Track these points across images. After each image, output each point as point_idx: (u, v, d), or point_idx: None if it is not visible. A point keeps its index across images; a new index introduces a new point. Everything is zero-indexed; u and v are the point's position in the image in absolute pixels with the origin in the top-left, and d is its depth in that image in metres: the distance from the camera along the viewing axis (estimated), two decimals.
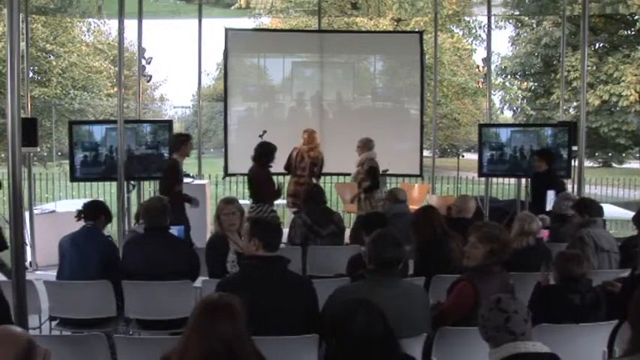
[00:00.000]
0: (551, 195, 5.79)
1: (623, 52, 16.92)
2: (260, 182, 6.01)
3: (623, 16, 16.39)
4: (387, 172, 7.92)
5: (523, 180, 7.18)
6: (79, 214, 4.24)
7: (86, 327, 3.88)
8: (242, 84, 9.06)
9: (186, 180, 7.38)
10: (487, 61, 9.00)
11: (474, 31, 21.42)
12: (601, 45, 18.20)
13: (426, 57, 11.49)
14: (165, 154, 6.71)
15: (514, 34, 20.37)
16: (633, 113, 16.51)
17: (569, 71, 14.89)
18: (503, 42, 42.64)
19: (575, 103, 16.36)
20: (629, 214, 4.63)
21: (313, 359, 2.80)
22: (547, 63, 18.81)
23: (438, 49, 10.21)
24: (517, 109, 20.73)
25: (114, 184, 6.67)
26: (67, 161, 7.09)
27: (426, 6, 11.35)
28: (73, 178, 6.85)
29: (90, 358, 2.88)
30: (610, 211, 8.08)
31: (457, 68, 21.01)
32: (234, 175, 9.20)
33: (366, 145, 6.90)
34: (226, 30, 8.77)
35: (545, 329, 2.82)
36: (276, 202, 6.38)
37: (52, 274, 6.01)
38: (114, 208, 5.99)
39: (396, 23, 18.47)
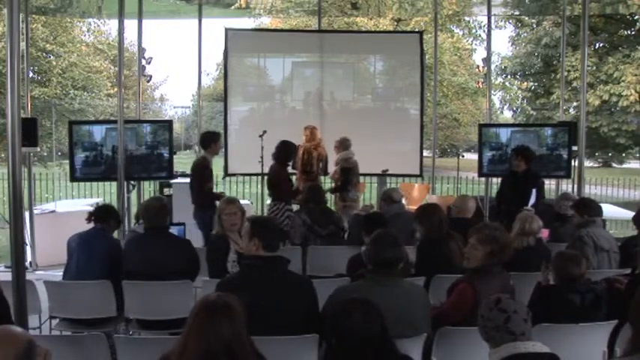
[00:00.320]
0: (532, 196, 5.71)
1: (623, 52, 16.92)
2: (279, 181, 6.00)
3: (623, 16, 16.39)
4: (387, 172, 7.94)
5: None
6: (90, 216, 4.31)
7: (86, 327, 3.89)
8: (242, 84, 9.05)
9: (186, 180, 7.39)
10: (487, 61, 9.00)
11: (474, 31, 21.43)
12: (601, 45, 18.20)
13: (426, 57, 11.50)
14: (165, 154, 6.72)
15: (514, 34, 20.37)
16: (633, 113, 16.51)
17: (569, 71, 14.88)
18: (503, 42, 42.71)
19: (575, 103, 16.36)
20: (629, 214, 4.63)
21: (313, 359, 2.80)
22: (547, 63, 18.80)
23: (438, 49, 10.20)
24: (517, 109, 20.74)
25: (114, 184, 6.69)
26: (67, 161, 7.09)
27: (426, 6, 11.33)
28: (73, 178, 6.86)
29: (90, 358, 2.88)
30: (610, 211, 8.09)
31: (457, 68, 21.02)
32: (234, 175, 9.20)
33: (342, 144, 6.90)
34: (226, 30, 8.77)
35: (545, 329, 2.82)
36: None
37: (52, 274, 6.05)
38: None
39: (396, 23, 18.47)
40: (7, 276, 3.32)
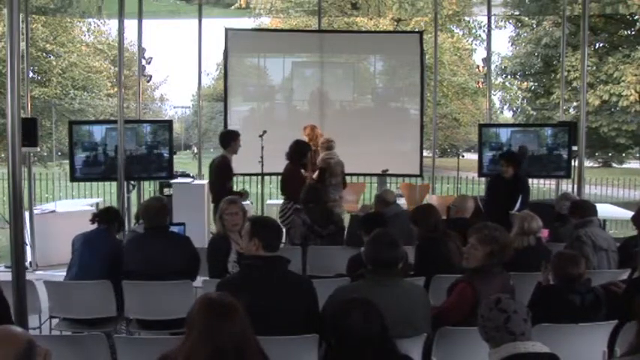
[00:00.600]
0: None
1: (623, 52, 16.93)
2: (291, 180, 6.00)
3: (623, 16, 16.39)
4: (387, 172, 7.94)
5: None
6: (94, 218, 4.35)
7: (86, 327, 3.89)
8: (242, 84, 9.05)
9: (186, 180, 7.39)
10: (487, 61, 9.00)
11: (474, 31, 21.44)
12: (601, 45, 18.20)
13: (426, 57, 11.50)
14: (165, 154, 6.72)
15: (514, 34, 20.38)
16: (633, 113, 16.50)
17: (569, 71, 14.88)
18: (503, 42, 42.73)
19: (575, 103, 16.36)
20: (629, 214, 4.62)
21: (313, 359, 2.80)
22: (547, 63, 18.80)
23: (438, 49, 10.20)
24: (517, 109, 20.74)
25: (114, 184, 6.69)
26: (67, 161, 7.09)
27: (426, 6, 11.34)
28: (73, 178, 6.86)
29: (90, 358, 2.88)
30: (610, 211, 8.09)
31: (457, 68, 21.03)
32: (234, 175, 9.19)
33: (323, 145, 6.88)
34: (226, 30, 8.77)
35: (545, 329, 2.82)
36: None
37: (52, 274, 6.06)
38: (111, 205, 6.00)
39: (396, 23, 18.48)
40: (7, 276, 3.32)
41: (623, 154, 20.60)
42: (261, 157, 6.58)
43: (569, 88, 15.40)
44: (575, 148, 6.98)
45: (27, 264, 6.25)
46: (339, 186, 6.65)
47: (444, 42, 19.10)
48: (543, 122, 16.87)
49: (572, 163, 7.04)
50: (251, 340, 2.00)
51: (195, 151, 26.28)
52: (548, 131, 7.24)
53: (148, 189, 8.76)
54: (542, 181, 11.51)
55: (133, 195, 7.01)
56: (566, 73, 11.30)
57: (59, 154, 18.58)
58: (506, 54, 20.58)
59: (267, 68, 9.35)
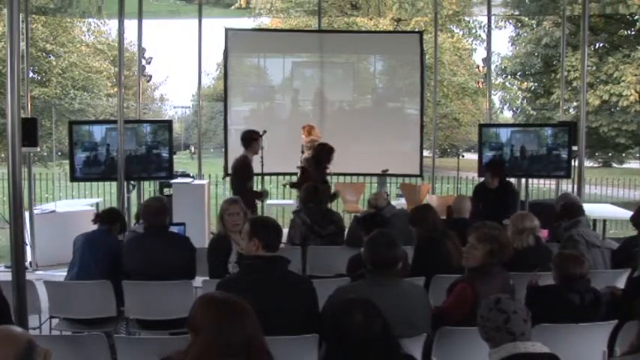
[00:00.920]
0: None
1: (623, 52, 16.90)
2: (314, 182, 5.99)
3: (623, 16, 16.37)
4: (387, 172, 7.94)
5: (523, 180, 7.18)
6: (96, 218, 4.37)
7: (86, 327, 3.89)
8: (242, 84, 9.06)
9: (186, 180, 7.40)
10: (487, 61, 9.01)
11: (474, 31, 21.44)
12: (601, 45, 18.18)
13: (426, 57, 11.50)
14: (165, 154, 6.71)
15: (514, 34, 20.35)
16: (633, 113, 16.49)
17: (569, 71, 14.87)
18: (503, 42, 42.66)
19: (575, 103, 16.35)
20: (629, 214, 4.62)
21: (313, 359, 2.80)
22: (547, 63, 18.78)
23: (438, 49, 10.21)
24: (517, 109, 20.72)
25: (114, 184, 6.68)
26: (67, 161, 7.09)
27: (426, 6, 11.34)
28: (73, 178, 6.85)
29: (90, 358, 2.88)
30: (610, 211, 8.09)
31: (457, 68, 21.02)
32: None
33: (307, 145, 6.87)
34: (226, 30, 8.77)
35: (545, 329, 2.82)
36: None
37: (52, 274, 6.05)
38: (113, 206, 6.01)
39: (396, 23, 18.47)
40: (7, 276, 3.32)
41: (623, 154, 20.58)
42: (261, 157, 6.58)
43: (569, 88, 15.39)
44: (575, 148, 6.98)
45: (27, 264, 6.25)
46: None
47: (444, 42, 19.10)
48: (543, 122, 16.85)
49: (572, 163, 7.04)
50: (260, 339, 1.99)
51: (193, 150, 26.37)
52: (548, 131, 7.23)
53: (148, 189, 8.75)
54: (542, 181, 11.51)
55: (133, 195, 7.01)
56: (566, 73, 11.30)
57: (59, 154, 18.57)
58: (506, 54, 20.58)
59: (267, 68, 9.35)
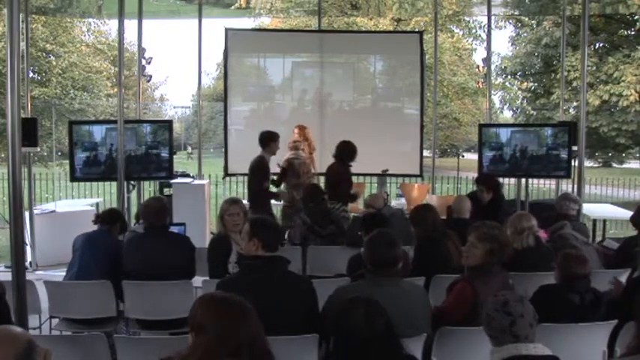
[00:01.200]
0: None
1: (623, 52, 16.90)
2: (340, 181, 5.96)
3: (623, 16, 16.37)
4: (387, 172, 7.93)
5: (523, 180, 7.18)
6: (97, 218, 4.38)
7: (86, 327, 3.89)
8: (242, 84, 9.05)
9: (186, 180, 7.40)
10: (487, 61, 9.00)
11: (474, 31, 21.44)
12: (601, 45, 18.17)
13: (426, 57, 11.49)
14: (164, 154, 6.71)
15: (514, 34, 20.35)
16: (633, 113, 16.49)
17: (569, 71, 14.86)
18: (503, 42, 42.70)
19: (575, 103, 16.34)
20: (629, 214, 4.63)
21: (313, 359, 2.80)
22: (547, 63, 18.78)
23: (438, 49, 10.20)
24: (517, 109, 20.72)
25: (114, 184, 6.68)
26: (67, 161, 7.09)
27: (426, 6, 11.34)
28: (73, 178, 6.85)
29: (90, 358, 2.88)
30: (610, 211, 8.09)
31: (457, 68, 21.03)
32: (234, 175, 9.19)
33: (290, 145, 6.85)
34: (226, 30, 8.77)
35: (545, 329, 2.82)
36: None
37: (52, 274, 6.06)
38: (113, 207, 6.01)
39: (396, 23, 18.48)
40: (7, 276, 3.32)
41: (623, 154, 20.57)
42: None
43: (569, 88, 15.39)
44: (575, 148, 6.98)
45: (27, 264, 6.25)
46: (302, 186, 6.58)
47: (444, 42, 19.09)
48: (543, 122, 16.84)
49: (572, 163, 7.04)
50: (262, 339, 1.99)
51: (190, 151, 26.36)
52: (548, 131, 7.23)
53: (148, 189, 8.76)
54: (542, 181, 11.52)
55: (133, 195, 7.01)
56: (566, 73, 11.30)
57: (59, 154, 18.57)
58: (506, 54, 20.57)
59: (267, 68, 9.34)
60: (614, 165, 22.50)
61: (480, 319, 2.39)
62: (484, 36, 18.56)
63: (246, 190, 6.92)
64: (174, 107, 28.59)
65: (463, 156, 14.99)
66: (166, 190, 7.38)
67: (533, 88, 19.80)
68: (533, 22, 18.90)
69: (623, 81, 16.09)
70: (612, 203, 10.06)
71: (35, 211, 7.07)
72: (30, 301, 3.32)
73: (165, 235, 4.14)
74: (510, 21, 19.29)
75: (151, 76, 8.67)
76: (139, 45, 8.17)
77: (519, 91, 20.67)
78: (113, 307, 3.90)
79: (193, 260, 4.13)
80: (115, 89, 17.59)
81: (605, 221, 7.87)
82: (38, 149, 7.38)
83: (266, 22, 18.69)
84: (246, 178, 6.39)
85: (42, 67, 19.83)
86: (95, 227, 4.37)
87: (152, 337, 3.46)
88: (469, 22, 20.57)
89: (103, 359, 2.86)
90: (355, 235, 4.30)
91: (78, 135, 6.72)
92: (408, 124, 8.92)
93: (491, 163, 7.19)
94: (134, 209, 6.57)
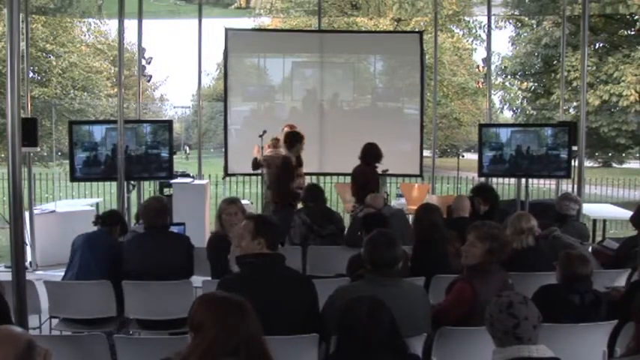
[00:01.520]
0: None
1: (623, 52, 16.89)
2: (367, 182, 5.99)
3: (623, 16, 16.37)
4: (387, 172, 7.93)
5: (523, 180, 7.18)
6: (97, 220, 4.38)
7: (86, 327, 3.89)
8: (242, 84, 9.05)
9: (186, 180, 7.40)
10: (487, 61, 8.99)
11: (473, 31, 21.43)
12: (601, 45, 18.17)
13: (426, 57, 11.49)
14: (165, 154, 6.71)
15: (514, 34, 20.35)
16: (633, 113, 16.48)
17: (569, 71, 14.86)
18: (503, 42, 42.69)
19: (575, 103, 16.34)
20: (629, 214, 4.63)
21: (313, 359, 2.80)
22: (547, 63, 18.77)
23: (438, 49, 10.20)
24: (517, 109, 20.72)
25: (114, 184, 6.67)
26: (67, 161, 7.09)
27: (426, 6, 11.33)
28: (73, 178, 6.85)
29: (90, 358, 2.88)
30: (610, 211, 8.09)
31: (457, 68, 21.03)
32: (234, 175, 9.20)
33: (269, 143, 6.88)
34: (226, 30, 8.77)
35: (545, 329, 2.81)
36: None
37: (52, 274, 6.05)
38: (114, 208, 6.01)
39: (396, 23, 18.48)
40: (7, 276, 3.32)
41: (623, 154, 20.56)
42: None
43: (569, 88, 15.38)
44: (575, 148, 6.98)
45: (27, 264, 6.25)
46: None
47: (444, 42, 19.09)
48: (543, 122, 16.84)
49: (572, 163, 7.04)
50: (260, 338, 1.99)
51: (188, 151, 26.35)
52: (548, 131, 7.23)
53: (148, 189, 8.75)
54: (542, 181, 11.51)
55: (133, 195, 7.00)
56: (566, 73, 11.29)
57: (59, 154, 18.58)
58: (506, 54, 20.57)
59: (267, 68, 9.35)
60: (614, 165, 22.48)
61: (479, 319, 2.39)
62: (484, 36, 18.56)
63: (246, 190, 6.95)
64: (175, 107, 28.61)
65: (463, 156, 14.97)
66: (166, 190, 7.38)
67: (533, 88, 19.80)
68: (533, 22, 18.90)
69: (623, 81, 16.09)
70: (612, 203, 10.06)
71: (35, 211, 7.06)
72: (30, 301, 3.32)
73: (165, 235, 4.15)
74: (510, 21, 19.28)
75: (150, 76, 8.66)
76: (139, 45, 8.17)
77: (519, 91, 20.66)
78: (113, 307, 3.90)
79: (192, 259, 4.13)
80: (115, 89, 17.59)
81: (605, 221, 7.86)
82: (38, 149, 7.38)
83: (266, 22, 18.70)
84: (245, 177, 6.40)
85: (42, 67, 19.84)
86: (95, 228, 4.37)
87: (152, 337, 3.46)
88: (469, 22, 20.57)
89: (103, 359, 2.86)
90: (355, 235, 4.30)
91: (78, 135, 6.71)
92: (408, 124, 8.92)
93: (491, 163, 7.19)
94: (134, 209, 6.56)
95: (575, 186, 7.04)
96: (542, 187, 12.25)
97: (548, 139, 7.04)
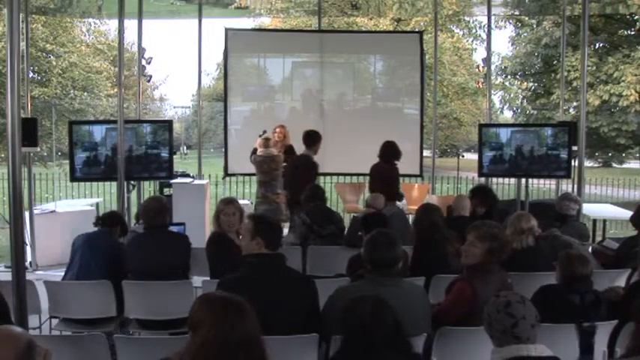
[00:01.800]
0: None
1: (623, 52, 16.88)
2: (391, 180, 6.05)
3: (623, 16, 16.36)
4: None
5: (523, 180, 7.18)
6: (98, 220, 4.40)
7: (86, 327, 3.89)
8: (242, 84, 9.05)
9: (186, 180, 7.40)
10: (487, 61, 8.99)
11: (473, 31, 21.42)
12: (601, 45, 18.16)
13: (426, 57, 11.49)
14: (164, 154, 6.71)
15: (514, 34, 20.34)
16: (633, 113, 16.48)
17: (569, 71, 14.85)
18: (503, 42, 42.65)
19: (575, 103, 16.34)
20: (629, 214, 4.63)
21: (313, 359, 2.80)
22: (547, 63, 18.77)
23: (438, 49, 10.21)
24: (517, 109, 20.71)
25: (114, 184, 6.67)
26: (67, 161, 7.09)
27: (426, 6, 11.33)
28: (73, 178, 6.85)
29: (90, 358, 2.88)
30: (610, 211, 8.09)
31: (457, 68, 21.01)
32: (234, 175, 9.20)
33: (261, 142, 6.89)
34: (226, 30, 8.77)
35: (546, 329, 2.82)
36: None
37: (52, 274, 6.05)
38: (114, 208, 6.02)
39: (396, 23, 18.47)
40: (7, 276, 3.32)
41: (623, 154, 20.56)
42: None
43: (569, 88, 15.37)
44: (575, 148, 6.98)
45: (27, 264, 6.25)
46: (268, 184, 6.59)
47: (444, 42, 19.08)
48: (543, 122, 16.84)
49: (572, 163, 7.03)
50: (258, 339, 1.99)
51: (184, 151, 26.30)
52: (548, 131, 7.23)
53: (148, 189, 8.75)
54: (542, 181, 11.51)
55: (133, 195, 7.00)
56: (566, 73, 11.28)
57: (59, 154, 18.56)
58: (506, 54, 20.56)
59: (267, 68, 9.35)
60: (614, 165, 22.48)
61: (479, 319, 2.39)
62: (484, 36, 18.55)
63: (245, 190, 6.95)
64: (174, 107, 28.53)
65: (463, 156, 14.97)
66: (166, 190, 7.38)
67: (533, 88, 19.80)
68: (533, 22, 18.89)
69: (623, 81, 16.08)
70: (612, 203, 10.06)
71: (35, 211, 7.06)
72: (30, 301, 3.33)
73: (165, 235, 4.15)
74: (510, 21, 19.27)
75: (150, 76, 8.66)
76: (139, 45, 8.17)
77: (519, 91, 20.65)
78: (113, 307, 3.90)
79: (189, 257, 4.15)
80: (115, 89, 17.60)
81: (605, 221, 7.86)
82: (38, 149, 7.38)
83: (266, 22, 18.69)
84: (245, 177, 6.42)
85: (42, 67, 19.83)
86: (95, 228, 4.37)
87: (152, 337, 3.46)
88: (469, 22, 20.56)
89: (103, 359, 2.86)
90: (355, 235, 4.30)
91: (78, 135, 6.71)
92: (408, 124, 8.92)
93: (491, 163, 7.19)
94: (134, 209, 6.56)
95: (575, 186, 7.04)
96: (542, 187, 12.25)
97: (548, 139, 7.04)
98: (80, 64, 20.66)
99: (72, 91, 20.20)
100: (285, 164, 6.69)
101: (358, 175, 9.40)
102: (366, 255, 2.92)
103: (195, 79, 25.52)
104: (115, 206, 6.72)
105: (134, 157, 6.61)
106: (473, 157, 15.02)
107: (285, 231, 5.47)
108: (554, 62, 18.14)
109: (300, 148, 6.77)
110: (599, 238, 6.72)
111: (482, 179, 7.67)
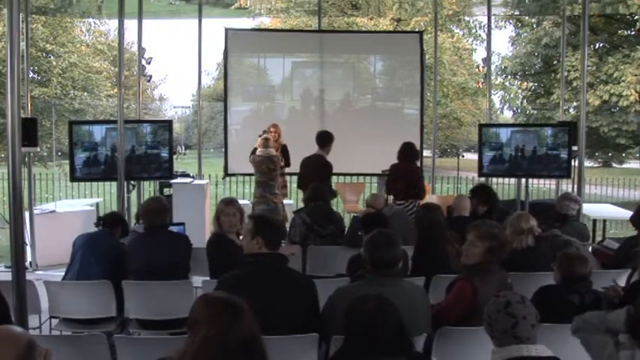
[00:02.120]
0: None
1: (623, 52, 16.88)
2: (414, 178, 6.10)
3: (623, 16, 16.36)
4: (388, 172, 7.94)
5: (523, 180, 7.18)
6: (99, 221, 4.40)
7: (86, 327, 3.90)
8: (242, 84, 9.06)
9: (185, 180, 7.40)
10: (487, 61, 9.00)
11: (473, 31, 21.42)
12: (601, 45, 18.17)
13: (426, 57, 11.50)
14: (164, 154, 6.71)
15: (514, 34, 20.35)
16: (633, 113, 16.48)
17: (569, 71, 14.86)
18: (503, 42, 42.59)
19: (575, 103, 16.34)
20: (629, 214, 4.63)
21: (313, 359, 2.80)
22: (547, 63, 18.77)
23: (438, 49, 10.21)
24: (517, 109, 20.71)
25: (114, 184, 6.68)
26: (67, 161, 7.09)
27: (426, 6, 11.34)
28: (73, 178, 6.85)
29: (90, 358, 2.88)
30: (610, 211, 8.09)
31: (457, 68, 21.00)
32: (234, 175, 9.20)
33: (259, 143, 6.91)
34: (226, 30, 8.77)
35: (545, 329, 2.82)
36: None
37: (52, 274, 6.05)
38: (114, 208, 6.02)
39: (396, 23, 18.47)
40: (7, 276, 3.32)
41: (623, 154, 20.56)
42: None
43: (569, 88, 15.37)
44: (575, 148, 6.98)
45: (27, 264, 6.25)
46: (267, 184, 6.61)
47: (444, 42, 19.08)
48: (543, 122, 16.84)
49: (572, 163, 7.03)
50: (257, 339, 1.99)
51: (181, 151, 26.24)
52: (548, 131, 7.22)
53: (148, 189, 8.75)
54: (542, 181, 11.51)
55: (133, 195, 7.00)
56: (566, 73, 11.29)
57: (59, 154, 18.55)
58: (506, 54, 20.56)
59: (267, 68, 9.36)
60: (614, 165, 22.48)
61: (479, 318, 2.39)
62: (484, 36, 18.54)
63: (245, 190, 6.95)
64: (174, 107, 28.50)
65: (463, 156, 14.98)
66: (166, 190, 7.38)
67: (533, 88, 19.80)
68: (533, 22, 18.89)
69: (623, 81, 16.09)
70: (612, 203, 10.06)
71: (35, 211, 7.06)
72: (30, 301, 3.33)
73: (165, 234, 4.15)
74: (510, 21, 19.28)
75: (150, 76, 8.67)
76: (139, 45, 8.17)
77: (519, 91, 20.65)
78: (113, 307, 3.90)
79: (189, 257, 4.15)
80: (115, 89, 17.58)
81: (605, 221, 7.86)
82: (38, 149, 7.38)
83: (266, 22, 18.70)
84: (245, 177, 6.43)
85: (42, 67, 19.84)
86: (96, 229, 4.38)
87: (152, 337, 3.46)
88: (469, 22, 20.56)
89: (103, 359, 2.86)
90: (355, 235, 4.30)
91: (78, 135, 6.71)
92: (408, 124, 8.93)
93: (491, 163, 7.19)
94: (134, 209, 6.56)
95: (575, 186, 7.04)
96: (542, 187, 12.25)
97: (548, 139, 7.04)
98: (80, 64, 20.66)
99: (72, 91, 20.20)
100: (282, 164, 6.71)
101: (358, 175, 9.42)
102: (366, 255, 2.92)
103: (195, 79, 25.50)
104: (114, 206, 6.72)
105: (134, 157, 6.61)
106: (473, 157, 15.02)
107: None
108: (554, 62, 18.15)
109: (298, 148, 6.78)
110: (599, 238, 6.72)
111: (483, 179, 7.66)
